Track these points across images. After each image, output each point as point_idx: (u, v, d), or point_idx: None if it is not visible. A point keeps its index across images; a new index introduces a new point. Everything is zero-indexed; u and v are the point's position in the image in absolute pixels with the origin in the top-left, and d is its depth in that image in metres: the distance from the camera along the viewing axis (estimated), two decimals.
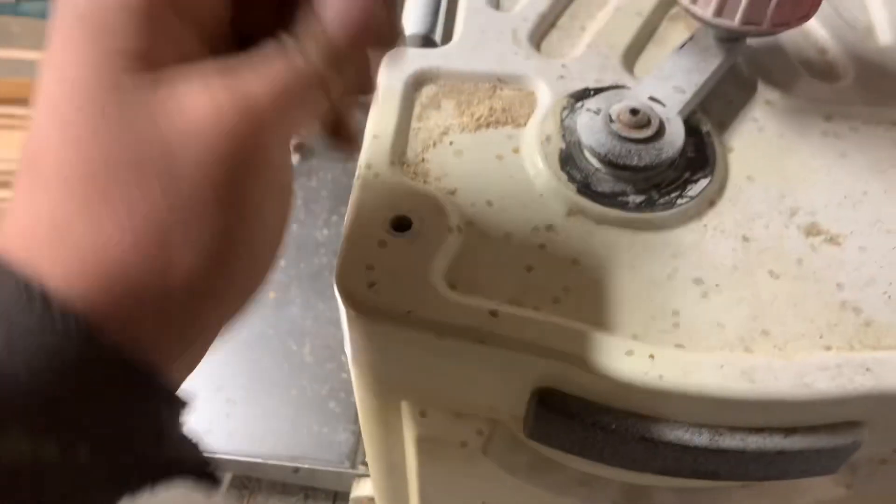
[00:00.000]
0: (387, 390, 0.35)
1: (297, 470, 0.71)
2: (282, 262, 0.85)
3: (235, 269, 0.21)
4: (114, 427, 0.19)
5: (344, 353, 0.79)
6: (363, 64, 0.24)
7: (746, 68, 0.39)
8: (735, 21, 0.33)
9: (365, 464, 0.71)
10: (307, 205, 0.89)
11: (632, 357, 0.29)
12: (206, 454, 0.22)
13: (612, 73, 0.38)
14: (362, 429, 0.42)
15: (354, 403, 0.75)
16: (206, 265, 0.20)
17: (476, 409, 0.35)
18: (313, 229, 0.87)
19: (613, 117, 0.34)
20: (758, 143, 0.36)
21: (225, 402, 0.74)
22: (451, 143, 0.36)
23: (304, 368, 0.77)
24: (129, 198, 0.19)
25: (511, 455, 0.37)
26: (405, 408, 0.36)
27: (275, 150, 0.21)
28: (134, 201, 0.19)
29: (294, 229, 0.88)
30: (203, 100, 0.20)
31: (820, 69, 0.39)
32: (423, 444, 0.37)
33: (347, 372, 0.77)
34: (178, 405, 0.21)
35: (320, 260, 0.84)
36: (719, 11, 0.33)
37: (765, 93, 0.38)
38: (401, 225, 0.32)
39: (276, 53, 0.21)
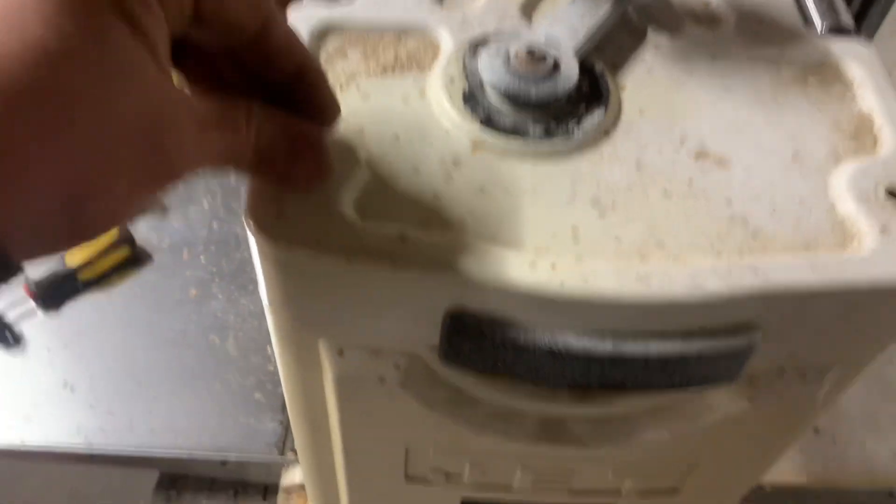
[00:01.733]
0: (303, 329, 0.36)
1: (224, 462, 0.70)
2: (202, 259, 0.84)
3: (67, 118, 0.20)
4: None
5: (270, 344, 0.79)
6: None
7: (637, 17, 0.41)
8: None
9: (294, 451, 0.71)
10: (226, 202, 0.89)
11: (535, 268, 0.30)
12: None
13: (512, 23, 0.40)
14: (283, 380, 0.42)
15: (281, 394, 0.74)
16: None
17: (392, 343, 0.36)
18: (234, 225, 0.86)
19: (512, 56, 0.35)
20: (648, 81, 0.38)
21: (147, 398, 0.73)
22: (357, 87, 0.37)
23: (229, 362, 0.76)
24: None
25: (429, 390, 0.38)
26: (323, 348, 0.37)
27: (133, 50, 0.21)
28: None
29: (214, 226, 0.88)
30: None
31: (703, 16, 0.42)
32: (342, 383, 0.37)
33: (273, 363, 0.77)
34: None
35: (241, 255, 0.84)
36: None
37: (654, 38, 0.40)
38: None
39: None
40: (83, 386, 0.74)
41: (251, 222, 0.31)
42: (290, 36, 0.28)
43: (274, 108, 0.28)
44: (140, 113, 0.22)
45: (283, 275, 0.33)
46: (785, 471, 0.72)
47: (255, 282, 0.83)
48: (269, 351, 0.78)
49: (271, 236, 0.31)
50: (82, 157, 0.21)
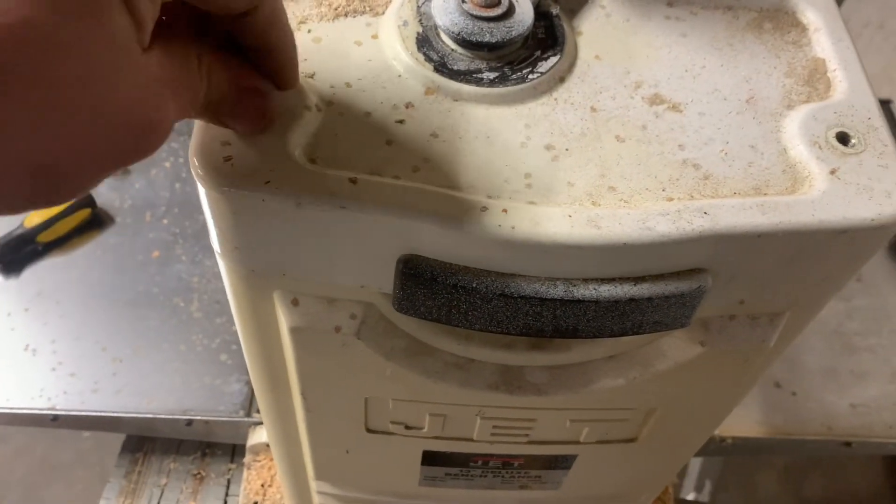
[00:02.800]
0: (256, 278, 0.35)
1: (190, 423, 0.69)
2: (164, 221, 0.83)
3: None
4: None
5: None
6: None
7: None
8: None
9: (259, 412, 0.71)
10: (189, 163, 0.87)
11: (486, 212, 0.30)
12: None
13: None
14: (240, 335, 0.41)
15: None
16: None
17: (347, 292, 0.36)
18: (197, 186, 0.85)
19: None
20: (605, 27, 0.38)
21: (111, 361, 0.72)
22: (309, 31, 0.36)
23: (193, 324, 0.75)
24: None
25: (386, 339, 0.38)
26: (277, 298, 0.36)
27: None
28: None
29: (177, 188, 0.86)
30: None
31: None
32: (297, 334, 0.37)
33: None
34: None
35: (205, 216, 0.83)
36: None
37: None
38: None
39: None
40: (45, 349, 0.73)
41: (197, 165, 0.31)
42: (276, 16, 0.28)
43: (227, 55, 0.28)
44: (126, 98, 0.22)
45: (232, 220, 0.32)
46: (746, 424, 0.73)
47: None
48: None
49: (218, 179, 0.30)
50: (55, 131, 0.20)
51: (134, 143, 0.23)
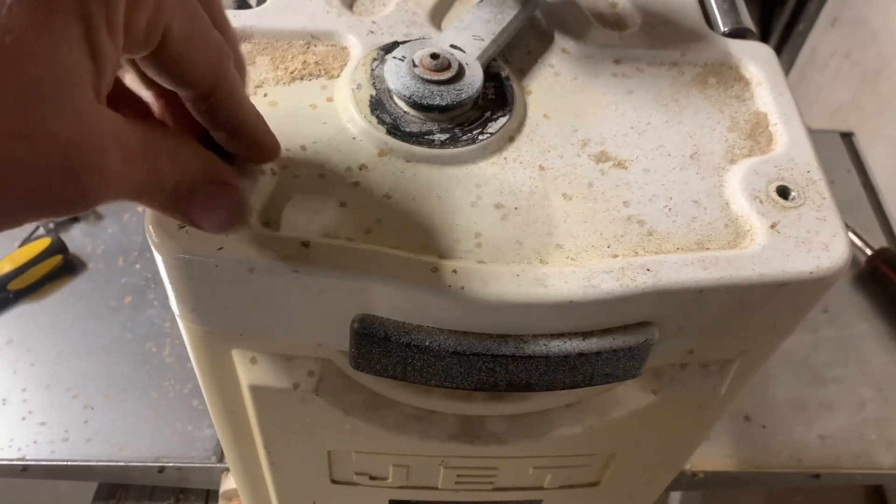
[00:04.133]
0: (214, 339, 0.36)
1: (162, 469, 0.69)
2: (137, 266, 0.83)
3: None
4: None
5: None
6: None
7: (545, 21, 0.42)
8: None
9: None
10: None
11: (436, 273, 0.31)
12: None
13: (420, 29, 0.40)
14: (203, 390, 0.42)
15: None
16: None
17: (304, 349, 0.36)
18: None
19: (417, 62, 0.36)
20: (554, 85, 0.39)
21: (82, 408, 0.72)
22: (265, 94, 0.37)
23: (165, 369, 0.75)
24: None
25: (344, 394, 0.38)
26: (236, 357, 0.37)
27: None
28: None
29: None
30: None
31: (610, 19, 0.43)
32: (257, 392, 0.37)
33: None
34: None
35: None
36: None
37: (561, 42, 0.41)
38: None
39: None
40: (15, 398, 0.72)
41: (153, 233, 0.31)
42: (236, 95, 0.28)
43: (205, 151, 0.28)
44: (66, 135, 0.21)
45: (188, 284, 0.33)
46: (717, 458, 0.74)
47: None
48: None
49: (173, 246, 0.31)
50: None
51: (60, 186, 0.22)
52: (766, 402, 0.79)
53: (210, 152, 0.29)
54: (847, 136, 1.03)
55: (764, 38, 1.99)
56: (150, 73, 0.26)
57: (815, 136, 0.84)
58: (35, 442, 0.70)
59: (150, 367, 0.76)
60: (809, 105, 1.99)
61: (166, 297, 0.81)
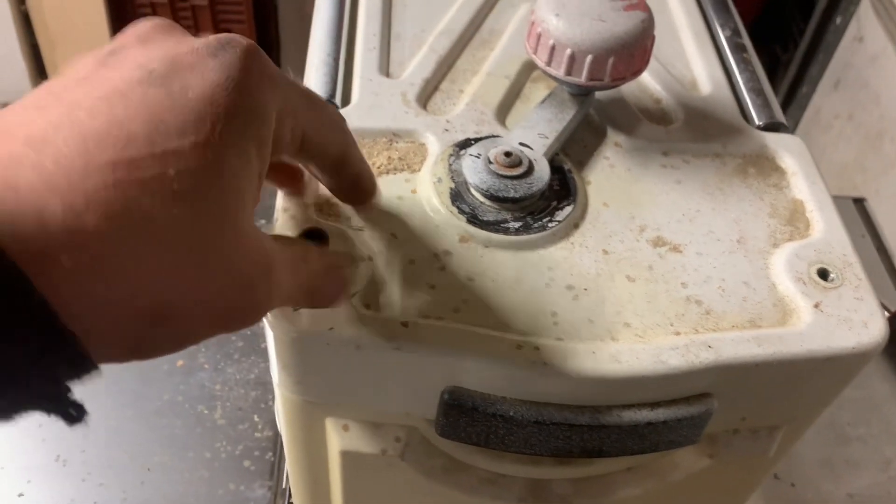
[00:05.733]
0: (312, 407, 0.40)
1: None
2: None
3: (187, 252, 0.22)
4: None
5: (257, 413, 0.82)
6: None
7: (598, 117, 0.47)
8: (582, 78, 0.41)
9: None
10: None
11: (521, 350, 0.35)
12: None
13: (488, 127, 0.45)
14: (287, 455, 0.45)
15: (269, 461, 0.77)
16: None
17: (393, 417, 0.40)
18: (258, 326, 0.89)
19: (491, 159, 0.40)
20: (610, 176, 0.44)
21: (139, 470, 0.75)
22: None
23: (217, 431, 0.78)
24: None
25: (426, 459, 0.42)
26: (329, 424, 0.40)
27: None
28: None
29: None
30: None
31: (656, 115, 0.48)
32: (347, 457, 0.41)
33: (260, 431, 0.80)
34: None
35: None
36: (569, 71, 0.41)
37: (613, 136, 0.46)
38: (313, 234, 0.37)
39: None
40: (76, 459, 0.76)
41: (269, 314, 0.35)
42: (358, 155, 0.35)
43: (320, 248, 0.34)
44: (245, 257, 0.24)
45: (297, 359, 0.37)
46: None
47: (240, 350, 0.87)
48: (257, 419, 0.81)
49: (288, 327, 0.35)
50: (175, 288, 0.22)
51: (240, 304, 0.25)
52: (795, 461, 0.81)
53: (324, 247, 0.34)
54: (859, 202, 1.07)
55: None
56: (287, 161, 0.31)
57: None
58: (95, 503, 0.73)
59: (202, 429, 0.79)
60: None
61: (216, 360, 0.85)
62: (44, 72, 1.93)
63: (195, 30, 1.92)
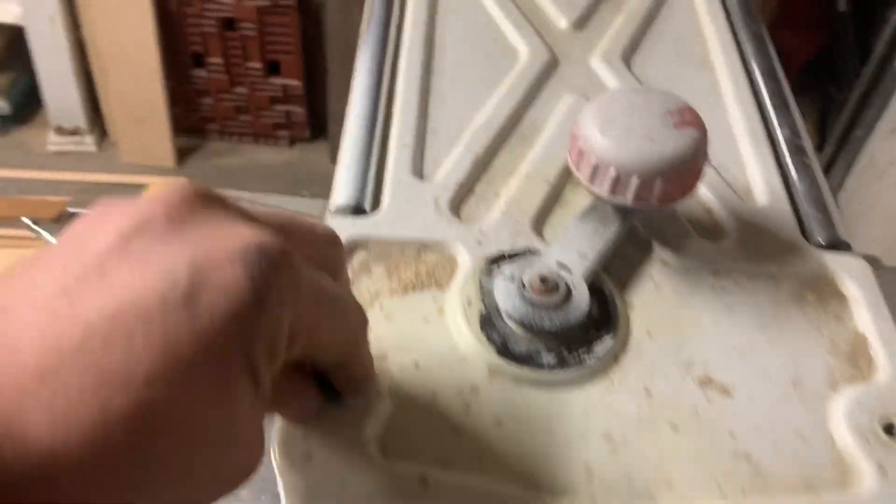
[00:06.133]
0: None
1: None
2: None
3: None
4: None
5: None
6: None
7: (643, 230, 0.44)
8: (627, 200, 0.38)
9: None
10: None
11: None
12: None
13: (524, 238, 0.42)
14: None
15: None
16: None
17: None
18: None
19: (526, 284, 0.38)
20: (655, 299, 0.41)
21: None
22: (381, 306, 0.39)
23: None
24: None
25: None
26: None
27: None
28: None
29: None
30: None
31: (707, 227, 0.44)
32: None
33: None
34: None
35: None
36: (613, 191, 0.38)
37: (660, 253, 0.43)
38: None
39: None
40: None
41: (280, 462, 0.33)
42: (366, 359, 0.33)
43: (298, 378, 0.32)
44: (245, 462, 0.24)
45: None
46: None
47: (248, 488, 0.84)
48: None
49: (296, 476, 0.32)
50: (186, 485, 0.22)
51: (245, 478, 0.25)
52: None
53: (309, 380, 0.32)
54: None
55: (821, 143, 2.00)
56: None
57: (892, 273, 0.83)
58: None
59: None
60: (866, 211, 1.97)
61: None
62: (95, 98, 1.96)
63: (243, 58, 1.93)
